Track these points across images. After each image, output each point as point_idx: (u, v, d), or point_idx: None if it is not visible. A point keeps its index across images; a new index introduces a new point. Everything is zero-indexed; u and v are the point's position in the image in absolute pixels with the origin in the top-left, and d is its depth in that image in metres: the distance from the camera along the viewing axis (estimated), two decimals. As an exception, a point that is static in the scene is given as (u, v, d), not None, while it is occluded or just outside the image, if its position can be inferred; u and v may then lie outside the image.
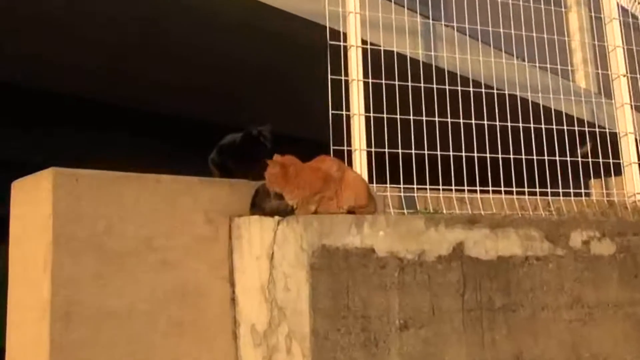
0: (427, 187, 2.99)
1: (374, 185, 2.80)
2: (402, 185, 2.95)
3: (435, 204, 3.00)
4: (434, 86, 3.11)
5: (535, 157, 3.26)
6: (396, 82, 3.02)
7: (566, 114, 3.49)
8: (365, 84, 2.96)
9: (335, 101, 2.83)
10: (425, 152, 3.02)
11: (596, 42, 4.26)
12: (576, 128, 3.45)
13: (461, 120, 3.12)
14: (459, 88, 3.16)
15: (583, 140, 3.48)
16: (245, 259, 2.24)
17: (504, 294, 2.18)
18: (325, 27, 2.92)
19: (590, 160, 3.45)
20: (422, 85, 3.08)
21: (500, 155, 3.17)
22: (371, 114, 2.93)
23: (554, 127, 3.36)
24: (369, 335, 1.98)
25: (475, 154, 3.12)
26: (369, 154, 2.89)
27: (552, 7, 3.74)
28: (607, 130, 3.62)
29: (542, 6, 3.72)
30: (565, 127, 3.40)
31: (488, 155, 3.16)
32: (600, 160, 3.47)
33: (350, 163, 2.81)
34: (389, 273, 2.04)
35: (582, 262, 2.30)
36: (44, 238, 2.03)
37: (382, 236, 2.05)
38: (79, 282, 2.01)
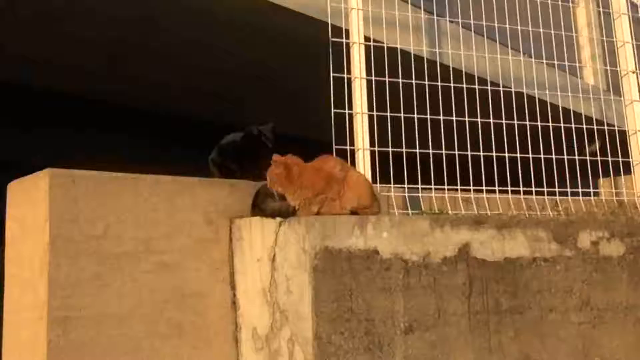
0: (432, 187, 2.99)
1: (378, 185, 2.79)
2: (406, 185, 2.94)
3: (440, 204, 3.00)
4: (439, 84, 3.10)
5: (542, 156, 3.26)
6: (400, 80, 3.02)
7: (574, 112, 3.49)
8: (368, 82, 2.95)
9: (338, 99, 2.82)
10: (430, 151, 3.01)
11: (605, 38, 4.25)
12: (584, 126, 3.45)
13: (466, 119, 3.11)
14: (464, 86, 3.16)
15: (591, 138, 3.47)
16: (246, 261, 2.23)
17: (511, 296, 2.17)
18: (327, 23, 2.92)
19: (599, 159, 3.44)
20: (426, 82, 3.07)
21: (506, 154, 3.16)
22: (374, 113, 2.93)
23: (562, 125, 3.35)
24: (373, 338, 1.98)
25: (481, 153, 3.12)
26: (372, 153, 2.89)
27: (560, 2, 3.73)
28: (616, 128, 3.61)
29: (549, 1, 3.71)
30: (573, 125, 3.40)
31: (494, 154, 3.15)
32: (609, 158, 3.46)
33: (353, 163, 2.81)
34: (393, 275, 2.03)
35: (590, 263, 2.30)
36: (41, 240, 2.03)
37: (386, 237, 2.05)
38: (76, 285, 2.01)
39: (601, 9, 4.69)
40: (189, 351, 2.15)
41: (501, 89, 3.28)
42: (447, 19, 3.64)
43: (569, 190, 3.29)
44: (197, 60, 5.49)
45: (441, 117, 3.06)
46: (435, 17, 3.79)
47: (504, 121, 3.21)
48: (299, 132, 5.05)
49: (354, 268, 2.00)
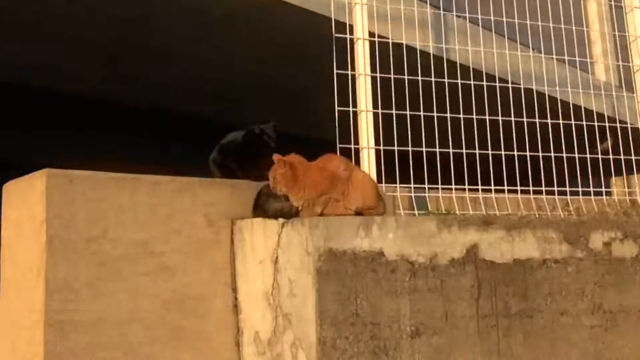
0: (439, 186, 2.98)
1: (383, 185, 2.79)
2: (412, 185, 2.94)
3: (447, 204, 2.99)
4: (445, 80, 3.09)
5: (552, 154, 3.24)
6: (405, 77, 3.01)
7: (585, 109, 3.47)
8: (373, 79, 2.95)
9: (342, 97, 2.82)
10: (437, 149, 3.01)
11: (616, 33, 4.23)
12: (596, 123, 3.43)
13: (474, 116, 3.11)
14: (472, 82, 3.15)
15: (603, 136, 3.46)
16: (248, 263, 2.23)
17: (521, 299, 2.17)
18: (331, 19, 2.91)
19: (611, 157, 3.43)
20: (432, 79, 3.06)
21: (515, 153, 3.15)
22: (379, 110, 2.92)
23: (573, 122, 3.34)
24: (379, 343, 1.98)
25: (490, 152, 3.11)
26: (377, 152, 2.89)
27: (570, -4, 3.72)
28: (629, 125, 3.59)
29: (559, -6, 3.70)
30: (584, 123, 3.38)
31: (503, 152, 3.14)
32: (622, 157, 3.45)
33: (357, 162, 2.81)
34: (400, 278, 2.03)
35: (603, 264, 2.29)
36: (37, 242, 2.03)
37: (391, 239, 2.05)
38: (74, 290, 2.02)
39: (613, 3, 4.68)
40: (190, 356, 2.15)
41: (510, 85, 3.27)
42: (454, 13, 3.63)
43: (580, 189, 3.28)
44: (197, 59, 5.51)
45: (448, 115, 3.05)
46: (441, 11, 3.78)
47: (512, 119, 3.20)
48: (300, 131, 5.06)
49: (358, 270, 1.99)
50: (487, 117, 3.13)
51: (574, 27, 3.66)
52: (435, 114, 3.01)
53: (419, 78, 3.04)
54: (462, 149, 3.05)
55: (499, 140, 3.15)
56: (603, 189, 3.38)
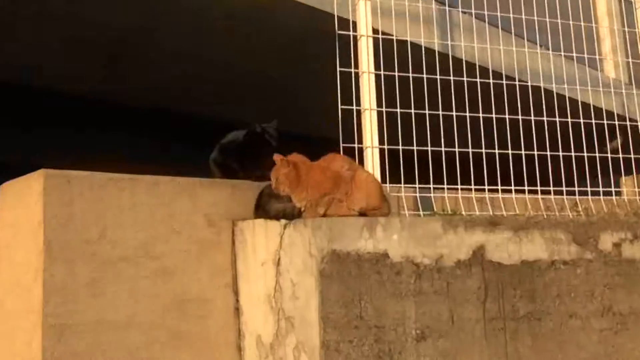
0: (445, 186, 2.98)
1: (387, 185, 2.79)
2: (417, 185, 2.94)
3: (453, 204, 2.99)
4: (451, 78, 3.10)
5: (561, 154, 3.24)
6: (410, 74, 3.01)
7: (594, 107, 3.47)
8: (377, 77, 2.95)
9: (345, 95, 2.82)
10: (442, 149, 3.01)
11: (626, 29, 4.23)
12: (605, 121, 3.43)
13: (480, 115, 3.11)
14: (478, 80, 3.15)
15: (613, 134, 3.46)
16: (250, 265, 2.24)
17: (529, 302, 2.17)
18: (333, 15, 2.92)
19: (620, 156, 3.43)
20: (438, 77, 3.06)
21: (523, 152, 3.15)
22: (383, 109, 2.92)
23: (581, 120, 3.34)
24: (383, 346, 1.98)
25: (497, 151, 3.11)
26: (381, 151, 2.89)
27: (579, -9, 3.72)
28: (639, 123, 3.59)
29: (568, -10, 3.70)
30: (593, 121, 3.38)
31: (510, 151, 3.14)
32: (632, 155, 3.44)
33: (361, 161, 2.81)
34: (405, 280, 2.03)
35: (613, 266, 2.29)
36: (35, 244, 2.04)
37: (396, 240, 2.05)
38: (72, 292, 2.02)
39: (622, -2, 4.67)
40: (190, 360, 2.15)
41: (517, 83, 3.27)
42: (460, 9, 3.63)
43: (589, 189, 3.28)
44: (197, 58, 5.53)
45: (454, 113, 3.05)
46: (447, 7, 3.78)
47: (520, 117, 3.20)
48: (302, 130, 5.07)
49: (362, 272, 2.00)
50: (493, 116, 3.13)
51: (582, 23, 3.66)
52: (440, 113, 3.01)
53: (424, 76, 3.03)
54: (468, 148, 3.05)
55: (506, 139, 3.15)
56: (612, 189, 3.38)
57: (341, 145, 2.71)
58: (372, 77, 2.94)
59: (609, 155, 3.37)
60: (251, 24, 4.93)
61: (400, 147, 2.91)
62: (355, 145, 2.81)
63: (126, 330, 2.08)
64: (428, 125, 2.99)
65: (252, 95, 6.07)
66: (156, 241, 2.17)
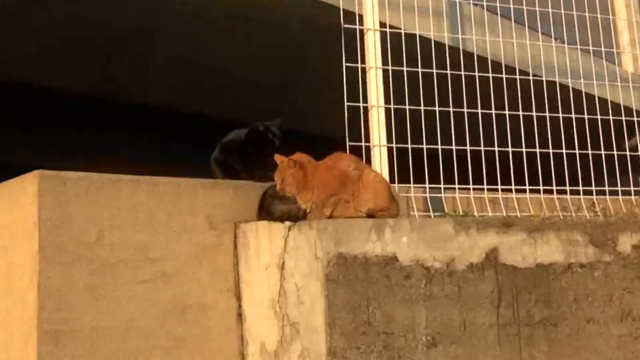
0: (456, 186, 2.97)
1: (396, 185, 2.79)
2: (427, 185, 2.93)
3: (465, 205, 2.98)
4: (462, 73, 3.09)
5: (577, 152, 3.23)
6: (419, 70, 3.00)
7: (612, 102, 3.46)
8: (385, 72, 2.94)
9: (351, 92, 2.82)
10: (453, 147, 3.00)
11: (645, 21, 4.21)
12: (623, 118, 3.42)
13: (493, 111, 3.10)
14: (490, 75, 3.14)
15: (631, 131, 3.44)
16: (253, 269, 2.24)
17: (544, 306, 2.16)
18: (339, 8, 2.91)
19: (640, 153, 3.41)
20: (448, 72, 3.06)
21: (537, 150, 3.14)
22: (391, 106, 2.92)
23: (599, 117, 3.32)
24: (393, 353, 1.98)
25: (510, 149, 3.10)
26: (389, 150, 2.88)
27: (595, -18, 3.70)
28: (659, 119, 3.57)
29: (584, -19, 3.68)
30: (611, 117, 3.37)
31: (524, 149, 3.13)
32: (652, 153, 3.42)
33: (368, 161, 2.80)
34: (414, 284, 2.03)
35: (632, 269, 2.28)
36: (30, 248, 2.04)
37: (405, 242, 2.04)
38: (68, 297, 2.02)
39: (641, -11, 4.65)
40: (191, 368, 2.15)
41: (531, 77, 3.26)
42: (471, 1, 3.62)
43: (607, 188, 3.27)
44: (197, 58, 5.56)
45: (465, 110, 3.04)
46: (457, -1, 3.77)
47: (534, 113, 3.19)
48: (304, 129, 5.08)
49: (370, 276, 1.99)
50: (506, 112, 3.12)
51: (599, 15, 3.64)
52: (451, 109, 3.01)
53: (434, 71, 3.03)
54: (480, 146, 3.04)
55: (519, 136, 3.14)
56: (632, 188, 3.36)
57: (347, 143, 2.70)
58: (380, 72, 2.93)
59: (627, 152, 3.36)
60: (252, 20, 4.96)
61: (409, 146, 2.90)
62: (363, 143, 2.81)
63: (124, 337, 2.08)
64: (438, 122, 2.98)
65: (253, 94, 6.09)
66: (156, 244, 2.17)
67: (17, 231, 2.15)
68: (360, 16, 2.99)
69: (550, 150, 3.18)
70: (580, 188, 3.21)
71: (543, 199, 3.10)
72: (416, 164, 2.92)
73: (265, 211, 2.28)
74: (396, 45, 2.97)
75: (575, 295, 2.20)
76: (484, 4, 3.47)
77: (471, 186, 3.00)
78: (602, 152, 3.29)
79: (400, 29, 3.06)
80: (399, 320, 2.00)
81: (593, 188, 3.25)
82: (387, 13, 3.04)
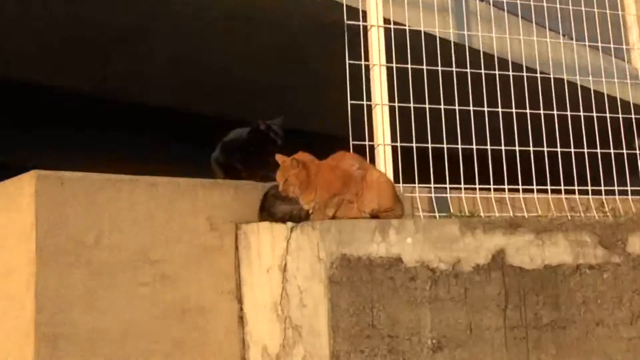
0: (462, 186, 2.97)
1: (401, 185, 2.78)
2: (432, 185, 2.93)
3: (471, 205, 2.98)
4: (468, 70, 3.09)
5: (586, 150, 3.23)
6: (424, 67, 3.00)
7: (621, 100, 3.45)
8: (389, 70, 2.94)
9: (355, 90, 2.82)
10: (459, 146, 3.00)
11: (656, 17, 4.20)
12: (633, 116, 3.41)
13: (499, 110, 3.09)
14: (497, 72, 3.13)
15: (641, 129, 3.44)
16: (254, 271, 2.24)
17: (552, 309, 2.16)
18: (342, 4, 2.91)
19: (650, 152, 3.40)
20: (454, 69, 3.05)
21: (545, 149, 3.14)
22: (396, 104, 2.91)
23: (608, 115, 3.32)
24: (397, 357, 1.98)
25: (517, 148, 3.09)
26: (394, 149, 2.88)
27: (604, -23, 3.70)
28: (669, 118, 3.57)
29: (592, -25, 3.68)
30: (620, 115, 3.36)
31: (532, 148, 3.13)
32: (663, 152, 3.42)
33: (372, 160, 2.80)
34: (419, 286, 2.03)
35: (642, 270, 2.28)
36: (27, 250, 2.04)
37: (410, 244, 2.04)
38: (66, 300, 2.03)
39: (651, -16, 4.64)
40: (192, 372, 2.16)
41: (538, 75, 3.25)
42: (477, -3, 3.61)
43: (616, 188, 3.26)
44: (196, 57, 5.58)
45: (471, 108, 3.04)
46: (463, -5, 3.77)
47: (542, 111, 3.18)
48: (307, 127, 5.08)
49: (375, 278, 1.99)
50: (513, 110, 3.12)
51: (608, 11, 3.64)
52: (457, 107, 3.00)
53: (439, 68, 3.02)
54: (486, 145, 3.04)
55: (527, 135, 3.14)
56: (642, 188, 3.36)
57: (351, 142, 2.70)
58: (384, 70, 2.93)
59: (637, 151, 3.35)
60: (252, 20, 4.98)
61: (414, 145, 2.90)
62: (366, 142, 2.81)
63: (123, 340, 2.08)
64: (443, 120, 2.98)
65: (253, 94, 6.10)
66: (155, 246, 2.18)
67: (15, 232, 2.15)
68: (364, 12, 2.99)
69: (559, 149, 3.17)
70: (589, 188, 3.21)
71: (551, 199, 3.09)
72: (421, 164, 2.92)
73: (267, 212, 2.28)
74: (400, 42, 2.97)
75: (584, 297, 2.20)
76: (490, -1, 3.47)
77: (477, 186, 2.99)
78: (612, 150, 3.29)
79: (405, 25, 3.06)
80: (404, 323, 2.00)
81: (602, 188, 3.24)
82: (391, 9, 3.04)
